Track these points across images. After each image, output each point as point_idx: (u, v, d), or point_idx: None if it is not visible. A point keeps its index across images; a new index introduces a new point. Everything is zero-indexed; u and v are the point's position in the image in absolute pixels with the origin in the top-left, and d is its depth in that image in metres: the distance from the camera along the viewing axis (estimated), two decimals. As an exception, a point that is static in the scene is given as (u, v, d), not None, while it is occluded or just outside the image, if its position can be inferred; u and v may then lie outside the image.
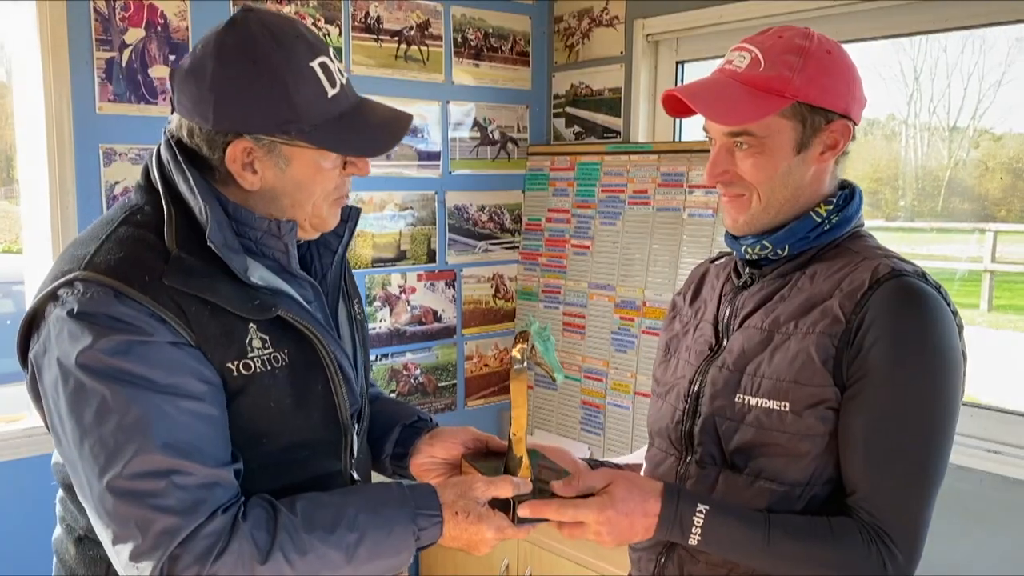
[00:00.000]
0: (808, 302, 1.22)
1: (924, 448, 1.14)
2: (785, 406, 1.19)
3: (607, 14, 2.82)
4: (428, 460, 1.32)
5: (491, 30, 2.88)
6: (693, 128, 2.76)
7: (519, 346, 1.25)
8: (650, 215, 2.62)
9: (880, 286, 1.16)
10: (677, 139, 2.75)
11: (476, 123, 2.89)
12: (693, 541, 1.16)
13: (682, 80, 2.74)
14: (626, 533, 1.16)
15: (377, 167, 2.67)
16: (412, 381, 2.82)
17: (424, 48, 2.74)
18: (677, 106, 1.28)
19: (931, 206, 2.63)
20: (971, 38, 2.30)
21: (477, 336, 2.96)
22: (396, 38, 2.67)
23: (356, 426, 1.23)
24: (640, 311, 2.63)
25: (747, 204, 1.25)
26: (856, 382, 1.15)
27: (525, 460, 1.23)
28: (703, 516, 1.15)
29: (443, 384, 2.90)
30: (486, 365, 2.99)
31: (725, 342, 1.30)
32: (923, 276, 1.20)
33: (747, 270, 1.32)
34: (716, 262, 1.45)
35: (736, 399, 1.24)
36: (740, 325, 1.28)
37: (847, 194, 1.30)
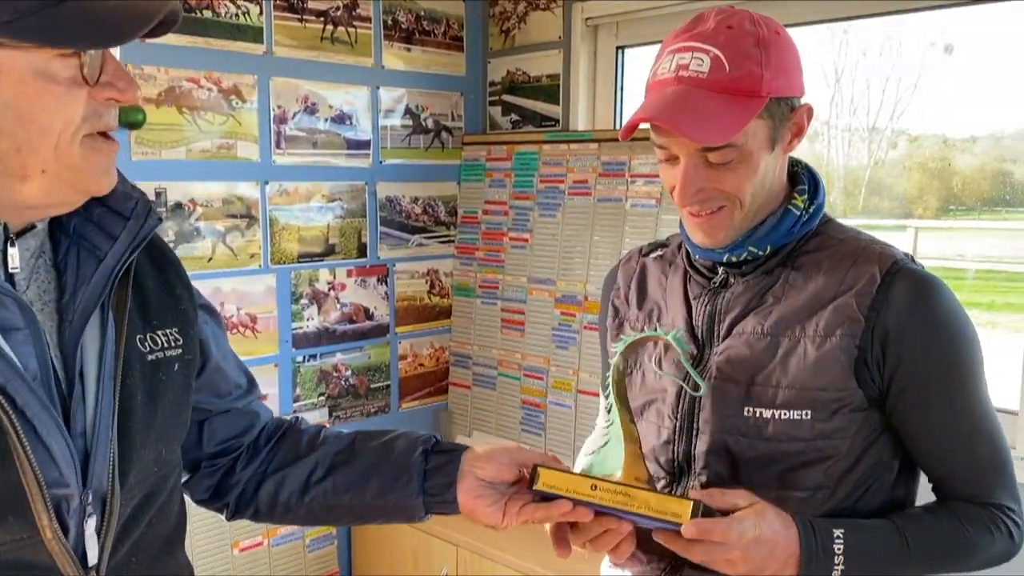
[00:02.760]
0: (813, 301, 1.13)
1: (989, 415, 1.13)
2: (807, 414, 1.10)
3: (544, -3, 2.71)
4: (479, 484, 1.08)
5: (423, 13, 2.74)
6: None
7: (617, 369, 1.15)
8: (591, 206, 2.52)
9: (894, 280, 1.09)
10: (618, 127, 2.65)
11: (408, 110, 2.74)
12: (836, 573, 1.06)
13: (622, 67, 2.65)
14: (764, 563, 1.03)
15: (302, 156, 2.51)
16: (343, 383, 2.66)
17: (352, 30, 2.59)
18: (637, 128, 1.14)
19: (852, 204, 2.67)
20: (888, 42, 2.35)
21: (411, 334, 2.82)
22: (322, 19, 2.51)
23: (102, 523, 0.83)
24: (582, 306, 2.52)
25: (728, 216, 1.13)
26: (905, 381, 1.09)
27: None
28: (842, 541, 1.06)
29: (376, 386, 2.74)
30: (421, 365, 2.85)
31: (710, 351, 1.18)
32: (914, 260, 1.14)
33: (721, 269, 1.20)
34: (650, 255, 1.32)
35: (746, 412, 1.12)
36: (728, 331, 1.17)
37: (810, 178, 1.21)
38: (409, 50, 2.72)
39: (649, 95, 1.13)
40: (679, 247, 1.30)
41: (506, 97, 2.85)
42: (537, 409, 2.64)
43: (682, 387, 1.18)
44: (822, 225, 1.19)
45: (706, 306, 1.19)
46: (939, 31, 2.08)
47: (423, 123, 2.78)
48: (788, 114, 1.13)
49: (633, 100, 2.67)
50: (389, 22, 2.66)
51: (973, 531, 1.10)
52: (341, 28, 2.56)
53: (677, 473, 1.19)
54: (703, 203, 1.12)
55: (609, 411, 1.14)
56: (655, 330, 1.11)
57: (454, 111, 2.86)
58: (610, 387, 1.14)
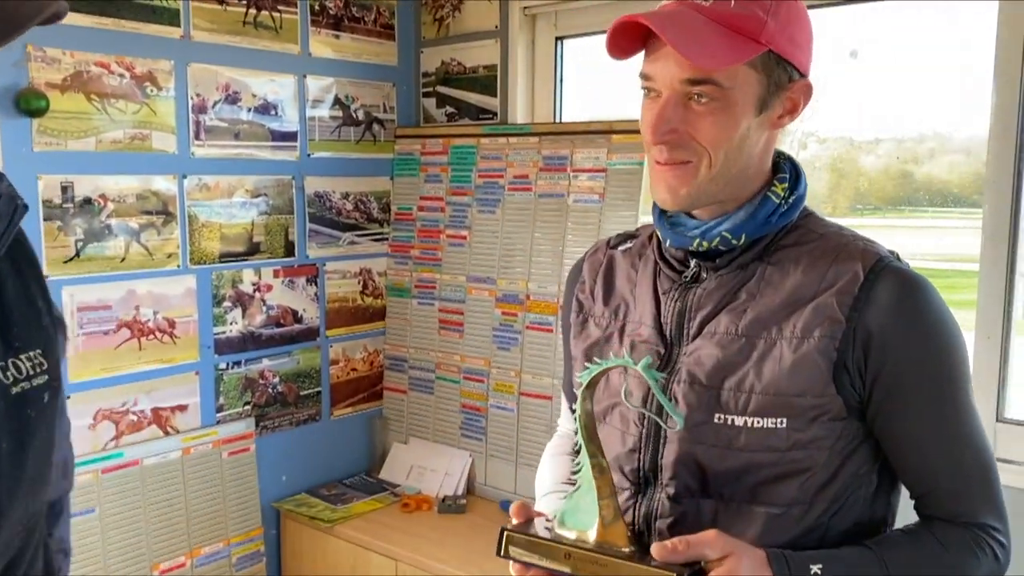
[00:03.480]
0: (791, 300, 1.04)
1: (976, 426, 1.05)
2: (782, 422, 1.00)
3: (480, -16, 2.60)
4: None
5: (352, -2, 2.60)
6: (575, 109, 2.58)
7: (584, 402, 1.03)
8: (532, 202, 2.42)
9: (878, 279, 1.01)
10: (558, 120, 2.56)
11: (338, 101, 2.60)
12: None
13: (562, 58, 2.56)
14: None
15: (223, 148, 2.34)
16: (270, 391, 2.50)
17: (277, 14, 2.43)
18: (622, 41, 1.04)
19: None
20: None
21: (344, 338, 2.67)
22: (244, 2, 2.35)
23: None
24: (524, 305, 2.43)
25: (693, 173, 1.04)
26: (889, 387, 1.01)
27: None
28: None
29: (306, 393, 2.59)
30: (354, 370, 2.71)
31: (679, 350, 1.09)
32: (899, 258, 1.06)
33: (693, 261, 1.10)
34: (619, 248, 1.22)
35: (716, 419, 1.03)
36: (699, 330, 1.08)
37: (792, 169, 1.13)
38: (338, 37, 2.58)
39: (638, 17, 1.02)
40: (649, 238, 1.21)
41: (440, 88, 2.73)
42: (478, 413, 2.53)
43: (649, 391, 1.08)
44: (802, 218, 1.10)
45: (676, 302, 1.10)
46: (845, 36, 2.11)
47: (353, 114, 2.64)
48: (784, 83, 1.04)
49: (574, 93, 2.58)
50: (316, 7, 2.52)
51: (957, 557, 1.02)
52: (265, 12, 2.40)
53: (643, 484, 1.09)
54: (672, 149, 1.03)
55: (578, 452, 1.04)
56: (622, 357, 1.00)
57: (386, 102, 2.73)
58: (577, 431, 1.03)
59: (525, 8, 2.52)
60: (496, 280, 2.49)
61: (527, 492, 2.42)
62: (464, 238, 2.57)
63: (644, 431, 1.09)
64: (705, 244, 1.07)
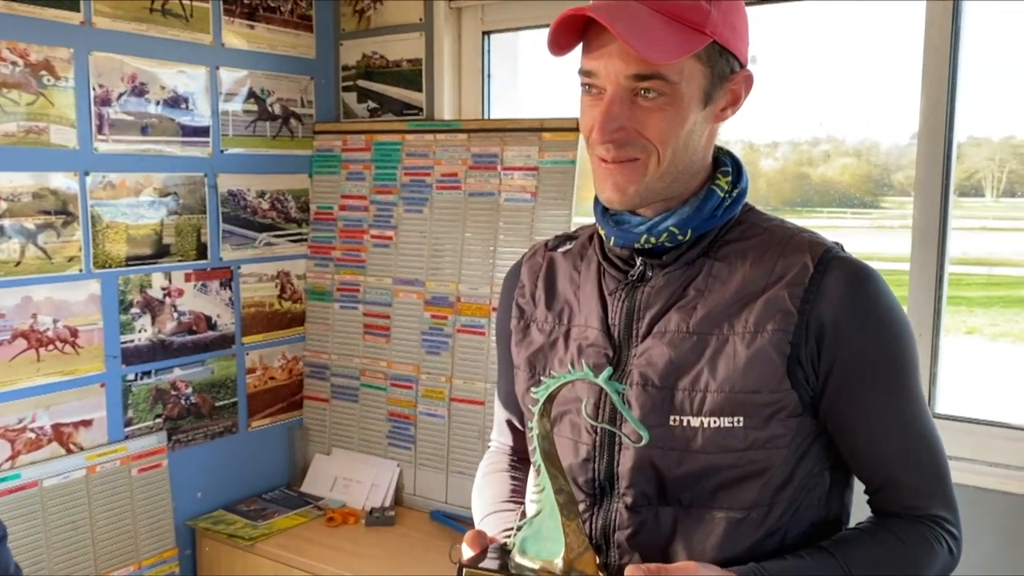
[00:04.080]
0: (741, 294, 1.00)
1: (928, 417, 1.04)
2: (739, 421, 0.97)
3: (403, -25, 2.51)
4: None
5: (267, -13, 2.47)
6: (503, 105, 2.52)
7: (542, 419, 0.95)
8: (461, 200, 2.35)
9: (827, 269, 0.99)
10: (487, 116, 2.49)
11: (252, 94, 2.46)
12: None
13: (489, 53, 2.49)
14: None
15: (129, 143, 2.18)
16: (183, 402, 2.34)
17: (187, 3, 2.28)
18: (561, 37, 0.99)
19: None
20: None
21: (261, 344, 2.53)
22: (150, -14, 2.19)
23: None
24: (454, 308, 2.35)
25: (641, 170, 1.00)
26: (843, 379, 0.99)
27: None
28: None
29: (221, 403, 2.44)
30: (272, 378, 2.57)
31: (628, 352, 1.04)
32: (843, 248, 1.05)
33: (639, 260, 1.06)
34: (558, 250, 1.18)
35: (671, 421, 0.99)
36: (649, 330, 1.03)
37: (733, 162, 1.10)
38: (252, 28, 2.44)
39: (580, 10, 0.97)
40: (590, 239, 1.16)
41: (362, 83, 2.62)
42: (406, 421, 2.44)
43: (601, 395, 1.03)
44: (744, 213, 1.08)
45: (623, 302, 1.06)
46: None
47: (269, 109, 2.51)
48: (727, 74, 1.02)
49: (502, 89, 2.52)
50: (229, -5, 2.37)
51: (916, 553, 1.01)
52: (174, 0, 2.25)
53: (598, 495, 1.04)
54: (620, 147, 0.99)
55: (538, 472, 0.97)
56: (581, 371, 0.94)
57: (304, 96, 2.60)
58: (536, 451, 0.96)
59: (450, 1, 2.44)
60: (425, 282, 2.40)
61: (459, 501, 2.34)
62: (390, 238, 2.47)
63: (597, 439, 1.04)
64: (652, 240, 1.04)
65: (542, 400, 0.93)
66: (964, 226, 1.94)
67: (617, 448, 1.03)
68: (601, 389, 0.99)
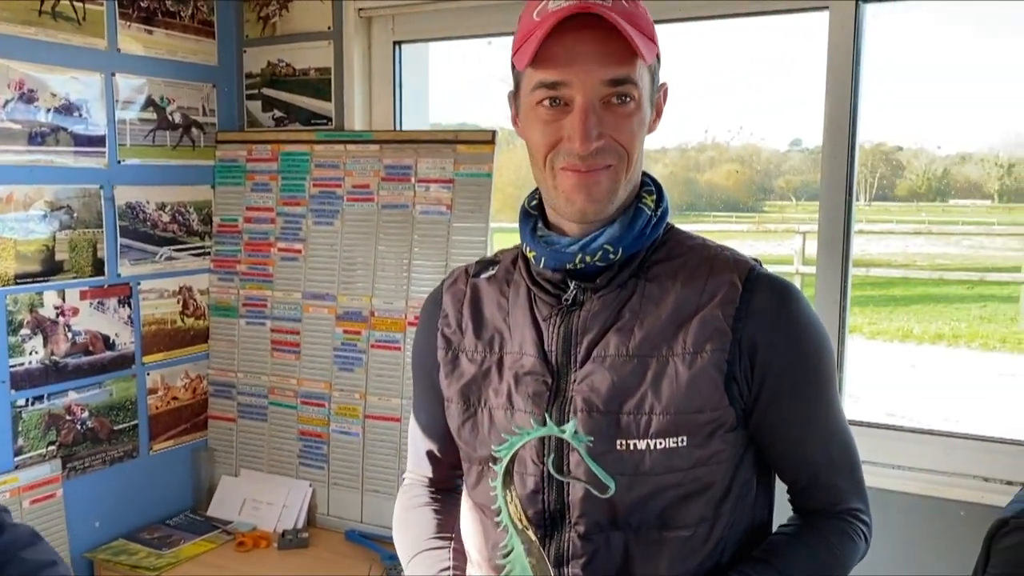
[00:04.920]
0: (676, 315, 1.02)
1: (843, 419, 1.11)
2: (683, 440, 0.98)
3: (310, -18, 2.44)
4: None
5: (166, -10, 2.36)
6: (415, 116, 2.49)
7: (512, 498, 0.90)
8: (374, 213, 2.30)
9: (754, 287, 1.03)
10: (399, 127, 2.46)
11: (151, 102, 2.35)
12: None
13: (400, 64, 2.45)
14: None
15: (17, 153, 2.04)
16: (79, 427, 2.21)
17: (79, 4, 2.16)
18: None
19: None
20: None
21: (162, 364, 2.41)
22: (39, -13, 2.07)
23: None
24: (368, 322, 2.30)
25: (615, 177, 1.01)
26: (774, 392, 1.02)
27: None
28: None
29: (120, 427, 2.31)
30: (175, 398, 2.46)
31: (568, 378, 1.03)
32: (761, 264, 1.09)
33: (573, 283, 1.06)
34: (481, 276, 1.16)
35: (618, 446, 0.99)
36: (588, 355, 1.03)
37: (652, 180, 1.12)
38: (150, 32, 2.33)
39: (545, 22, 0.96)
40: (514, 262, 1.15)
41: (267, 91, 2.54)
42: (318, 440, 2.37)
43: (543, 441, 1.03)
44: (667, 232, 1.10)
45: (559, 328, 1.05)
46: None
47: (169, 117, 2.40)
48: (658, 84, 1.05)
49: (414, 100, 2.49)
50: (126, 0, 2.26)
51: (840, 547, 1.07)
52: (65, 1, 2.12)
53: (550, 526, 1.03)
54: (596, 155, 0.98)
55: (504, 531, 0.92)
56: (542, 427, 0.91)
57: (205, 104, 2.50)
58: (501, 510, 0.91)
59: (360, 10, 2.40)
60: (336, 296, 2.34)
61: (375, 520, 2.29)
62: (299, 252, 2.40)
63: (544, 470, 1.03)
64: (587, 259, 1.03)
65: (506, 459, 0.88)
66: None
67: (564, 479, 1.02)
68: (544, 417, 0.99)
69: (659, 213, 1.08)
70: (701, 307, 1.02)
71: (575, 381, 1.02)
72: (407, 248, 2.26)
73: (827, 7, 1.86)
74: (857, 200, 1.95)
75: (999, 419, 6.15)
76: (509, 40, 1.06)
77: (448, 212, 2.22)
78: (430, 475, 1.24)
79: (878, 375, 6.60)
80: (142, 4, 2.30)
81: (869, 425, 1.95)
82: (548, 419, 0.92)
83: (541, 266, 1.07)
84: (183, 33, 2.42)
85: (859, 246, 2.24)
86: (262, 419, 2.45)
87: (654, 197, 1.08)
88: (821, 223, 1.95)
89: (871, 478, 1.15)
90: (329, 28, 2.43)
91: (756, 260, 1.08)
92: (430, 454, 1.22)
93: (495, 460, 0.88)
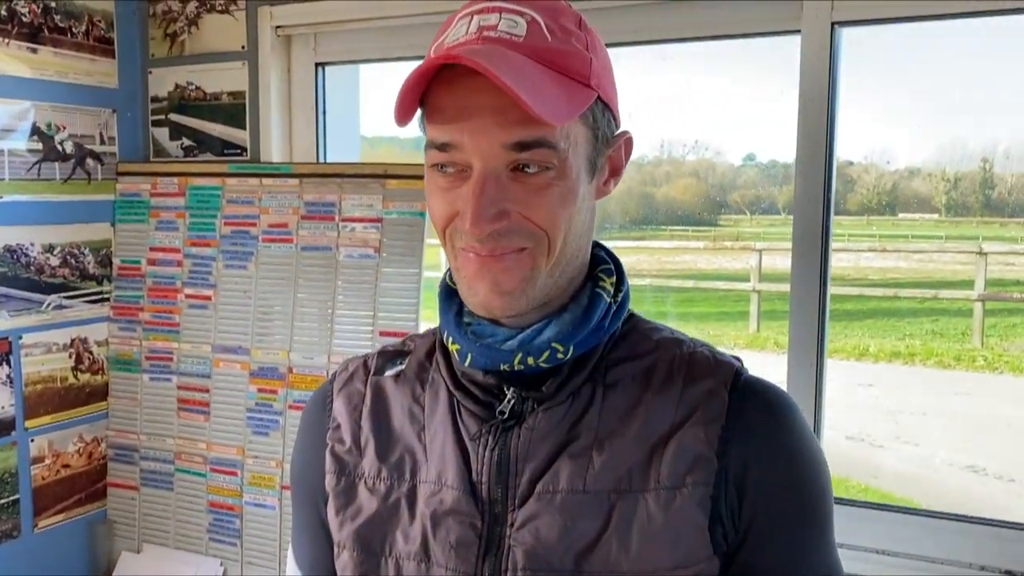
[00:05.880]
0: (648, 435, 0.79)
1: (838, 559, 0.87)
2: None
3: (222, -4, 2.18)
4: None
5: (54, 4, 2.08)
6: (343, 147, 2.24)
7: None
8: (293, 255, 2.04)
9: (744, 400, 0.80)
10: (322, 159, 2.20)
11: (37, 130, 2.06)
12: None
13: (324, 88, 2.20)
14: None
15: None
16: (-56, 508, 1.91)
17: (-55, 18, 1.87)
18: (411, 98, 0.75)
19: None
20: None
21: (51, 427, 2.12)
22: None
23: None
24: (285, 380, 2.03)
25: (530, 263, 0.77)
26: (767, 531, 0.80)
27: None
28: None
29: (-2, 502, 2.02)
30: (66, 466, 2.16)
31: (505, 521, 0.79)
32: (743, 364, 0.86)
33: (511, 390, 0.82)
34: (387, 372, 0.91)
35: None
36: (530, 490, 0.79)
37: (610, 256, 0.89)
38: (35, 51, 2.04)
39: (422, 69, 0.73)
40: (429, 356, 0.90)
41: (175, 117, 2.26)
42: (230, 512, 2.09)
43: None
44: (626, 322, 0.87)
45: (492, 451, 0.81)
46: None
47: (59, 147, 2.11)
48: (609, 136, 0.81)
49: (341, 128, 2.23)
50: (3, 13, 1.97)
51: None
52: (-73, 14, 1.83)
53: None
54: (500, 237, 0.75)
55: None
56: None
57: (104, 132, 2.22)
58: None
59: (278, 28, 2.14)
60: (250, 350, 2.07)
61: (295, 604, 2.01)
62: (208, 298, 2.13)
63: None
64: (530, 361, 0.79)
65: None
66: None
67: None
68: (482, 568, 0.75)
69: (619, 299, 0.85)
70: (678, 425, 0.79)
71: (514, 526, 0.79)
72: (330, 296, 2.00)
73: (799, 31, 1.66)
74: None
75: (958, 441, 6.09)
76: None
77: (376, 255, 1.96)
78: None
79: (837, 395, 6.49)
80: (23, 19, 2.01)
81: (849, 503, 1.74)
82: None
83: (467, 365, 0.82)
84: (76, 51, 2.14)
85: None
86: (167, 488, 2.17)
87: (613, 279, 0.85)
88: (796, 239, 1.73)
89: (850, 563, 0.93)
90: (243, 47, 2.16)
91: (737, 359, 0.85)
92: None
93: None
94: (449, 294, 0.87)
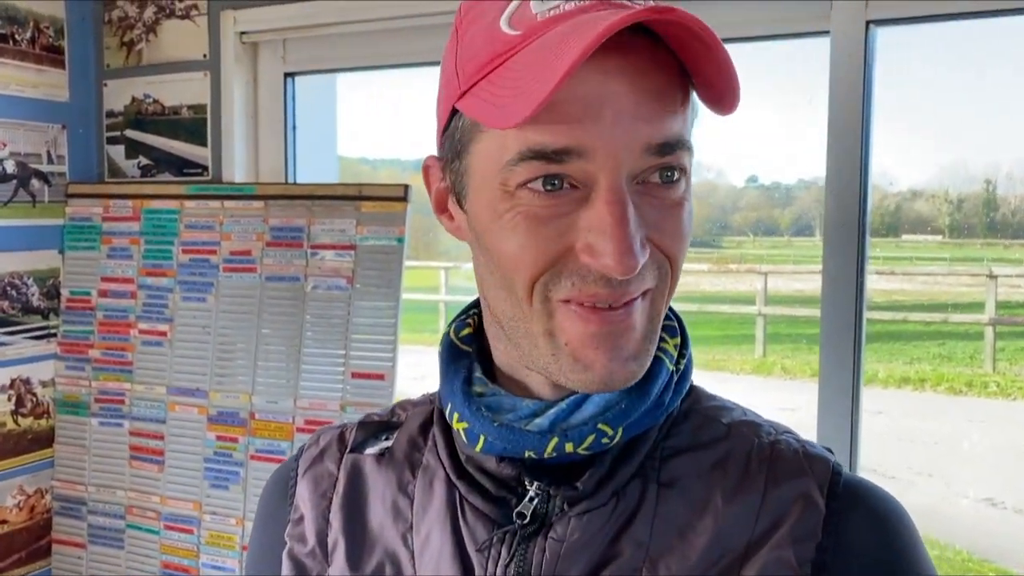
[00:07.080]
0: (715, 553, 0.57)
1: None
2: None
3: (181, 1, 1.98)
4: None
5: (-4, 8, 1.88)
6: (317, 166, 2.03)
7: None
8: (257, 286, 1.83)
9: (845, 508, 0.59)
10: (291, 180, 1.99)
11: (-28, 148, 1.86)
12: None
13: (293, 100, 1.99)
14: None
15: None
16: None
17: None
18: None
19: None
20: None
21: (-15, 479, 1.90)
22: None
23: None
24: (246, 427, 1.81)
25: (653, 311, 0.57)
26: None
27: None
28: None
29: (-78, 566, 1.79)
30: (5, 521, 1.93)
31: None
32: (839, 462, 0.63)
33: (534, 484, 0.60)
34: (367, 450, 0.70)
35: None
36: None
37: (672, 312, 0.67)
38: (-28, 60, 1.85)
39: (558, 48, 0.50)
40: (424, 430, 0.68)
41: (131, 133, 2.06)
42: (186, 575, 1.86)
43: None
44: (686, 398, 0.65)
45: (505, 567, 0.59)
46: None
47: (1, 167, 1.91)
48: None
49: (314, 145, 2.02)
50: (-65, 16, 1.78)
51: None
52: None
53: None
54: (634, 278, 0.54)
55: None
56: None
57: (52, 150, 2.01)
58: None
59: (243, 34, 1.94)
60: (208, 392, 1.85)
61: None
62: (164, 334, 1.91)
63: None
64: (569, 447, 0.58)
65: None
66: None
67: None
68: None
69: (682, 367, 0.63)
70: (758, 542, 0.58)
71: None
72: (297, 332, 1.78)
73: (827, 32, 1.45)
74: (813, 236, 1.54)
75: (974, 472, 5.85)
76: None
77: (349, 286, 1.75)
78: None
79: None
80: (-42, 24, 1.82)
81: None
82: None
83: (479, 449, 0.61)
84: (20, 61, 1.93)
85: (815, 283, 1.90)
86: (118, 546, 1.94)
87: (677, 340, 0.64)
88: (826, 261, 1.52)
89: None
90: (205, 56, 1.96)
91: (829, 450, 0.63)
92: None
93: None
94: (455, 355, 0.66)
